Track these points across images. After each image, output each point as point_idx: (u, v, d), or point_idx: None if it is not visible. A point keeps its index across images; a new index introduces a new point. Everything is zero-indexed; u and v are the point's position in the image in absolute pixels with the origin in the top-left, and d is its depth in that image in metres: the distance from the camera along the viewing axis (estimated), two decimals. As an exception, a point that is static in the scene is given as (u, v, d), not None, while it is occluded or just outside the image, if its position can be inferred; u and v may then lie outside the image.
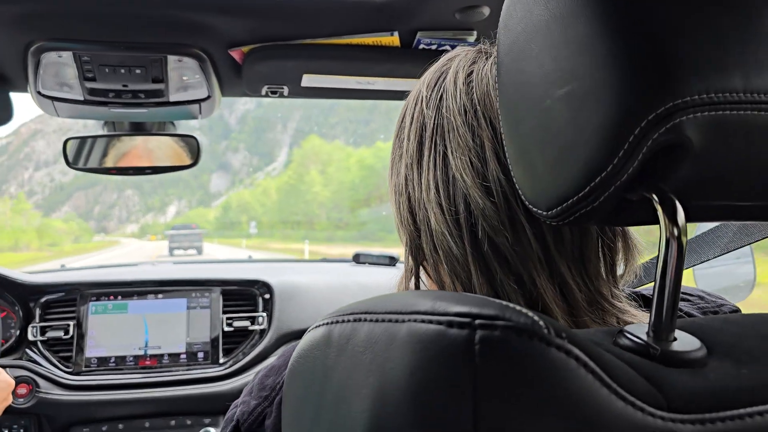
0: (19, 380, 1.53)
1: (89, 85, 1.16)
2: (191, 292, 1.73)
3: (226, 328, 1.70)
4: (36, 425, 1.57)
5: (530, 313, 0.34)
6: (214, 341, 1.69)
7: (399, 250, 0.61)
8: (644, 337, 0.38)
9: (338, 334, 0.42)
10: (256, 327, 1.72)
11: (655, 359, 0.37)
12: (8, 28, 1.02)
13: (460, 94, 0.55)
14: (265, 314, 1.75)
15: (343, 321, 0.42)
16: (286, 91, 1.33)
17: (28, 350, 1.62)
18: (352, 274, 2.05)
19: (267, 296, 1.78)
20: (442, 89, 0.57)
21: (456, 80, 0.56)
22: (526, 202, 0.45)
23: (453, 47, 1.20)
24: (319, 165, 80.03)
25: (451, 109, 0.55)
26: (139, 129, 1.45)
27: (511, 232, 0.51)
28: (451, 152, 0.54)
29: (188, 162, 1.48)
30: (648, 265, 0.98)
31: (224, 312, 1.73)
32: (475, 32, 1.17)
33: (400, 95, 1.39)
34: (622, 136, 0.35)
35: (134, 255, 32.93)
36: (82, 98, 1.22)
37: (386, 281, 1.91)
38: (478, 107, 0.54)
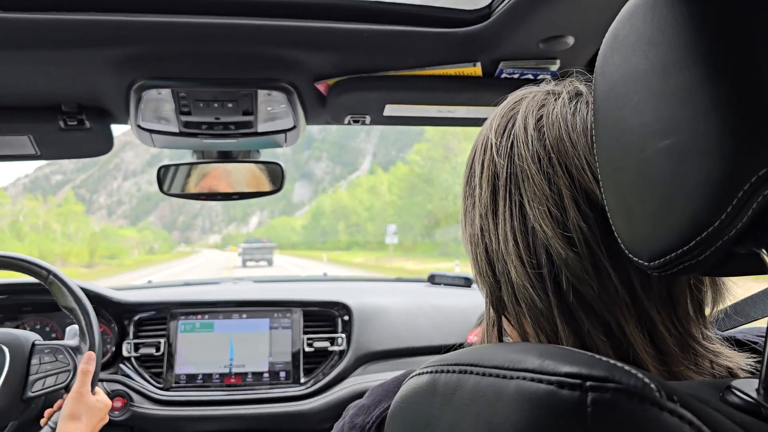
0: (114, 394, 1.62)
1: (184, 118, 1.23)
2: (273, 313, 1.78)
3: (307, 349, 1.74)
4: None
5: (640, 374, 0.33)
6: (295, 361, 1.72)
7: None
8: (754, 395, 0.37)
9: (444, 383, 0.43)
10: (335, 348, 1.75)
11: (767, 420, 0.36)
12: (114, 69, 1.09)
13: (532, 141, 0.54)
14: (344, 335, 1.77)
15: (449, 371, 0.43)
16: (368, 120, 1.35)
17: (122, 365, 1.70)
18: (428, 296, 2.05)
19: (346, 318, 1.81)
20: (512, 135, 0.56)
21: (526, 126, 0.55)
22: (626, 251, 0.44)
23: (535, 76, 1.21)
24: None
25: (523, 157, 0.54)
26: (226, 156, 1.50)
27: (597, 280, 0.49)
28: (528, 202, 0.52)
29: (273, 188, 1.53)
30: (740, 304, 0.93)
31: (305, 332, 1.77)
32: (558, 61, 1.16)
33: (481, 122, 1.39)
34: (729, 192, 0.34)
35: (201, 269, 32.01)
36: (177, 130, 1.28)
37: (463, 304, 1.91)
38: (552, 154, 0.52)
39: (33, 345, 1.36)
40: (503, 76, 1.21)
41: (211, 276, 25.44)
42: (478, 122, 1.38)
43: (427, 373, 0.46)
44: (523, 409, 0.35)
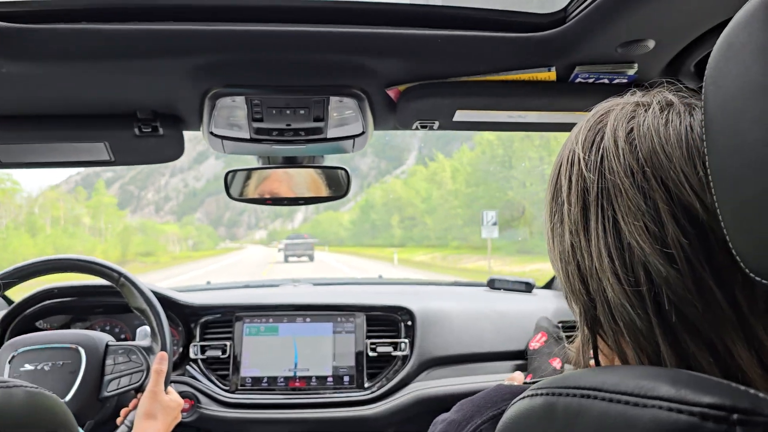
0: (182, 395, 1.64)
1: (256, 125, 1.23)
2: (337, 317, 1.78)
3: (370, 353, 1.73)
4: None
5: None
6: (358, 366, 1.72)
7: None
8: None
9: (563, 408, 0.42)
10: (398, 353, 1.74)
11: None
12: (191, 78, 1.10)
13: (624, 154, 0.52)
14: (407, 340, 1.76)
15: (568, 395, 0.42)
16: (436, 125, 1.34)
17: (188, 367, 1.73)
18: (488, 300, 2.02)
19: (409, 323, 1.80)
20: (601, 149, 0.54)
21: (616, 139, 0.54)
22: (746, 270, 0.42)
23: (611, 80, 1.17)
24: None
25: (615, 171, 0.52)
26: (291, 162, 1.51)
27: (700, 299, 0.47)
28: (622, 217, 0.51)
29: (338, 193, 1.53)
30: None
31: (368, 337, 1.77)
32: (636, 65, 1.12)
33: (553, 127, 1.36)
34: None
35: (239, 266, 31.73)
36: (248, 137, 1.29)
37: (524, 310, 1.88)
38: (646, 167, 0.51)
39: (107, 346, 1.40)
40: (578, 80, 1.18)
41: (250, 274, 25.46)
42: (551, 127, 1.35)
43: (540, 395, 0.45)
44: None
